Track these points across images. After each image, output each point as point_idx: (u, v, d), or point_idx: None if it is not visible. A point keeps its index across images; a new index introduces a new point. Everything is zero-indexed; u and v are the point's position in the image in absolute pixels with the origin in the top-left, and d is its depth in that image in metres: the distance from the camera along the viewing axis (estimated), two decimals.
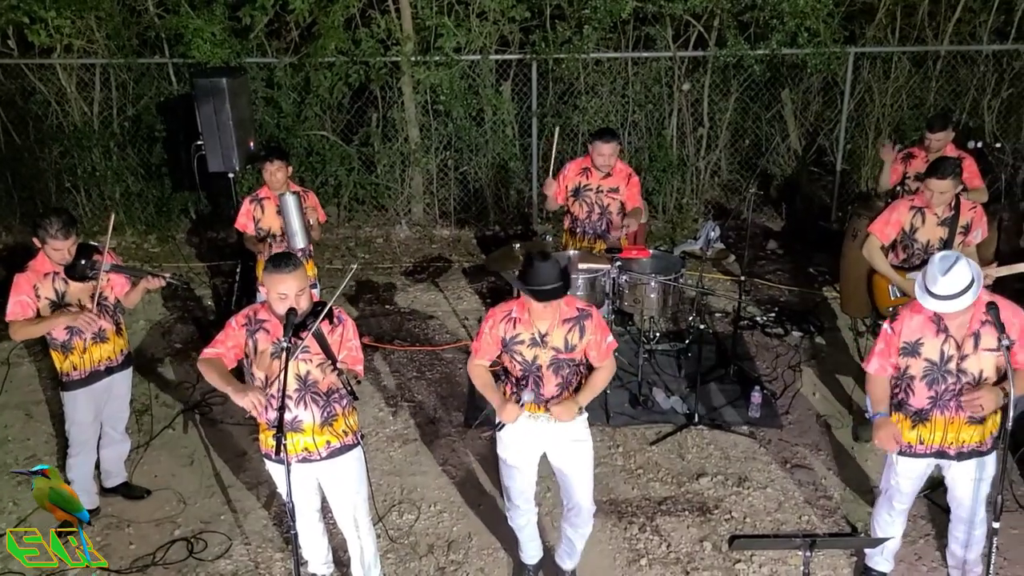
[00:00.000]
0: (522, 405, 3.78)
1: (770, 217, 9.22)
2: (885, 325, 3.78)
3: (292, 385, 3.64)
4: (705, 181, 9.16)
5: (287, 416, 3.64)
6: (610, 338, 3.88)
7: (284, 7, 7.89)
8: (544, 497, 4.86)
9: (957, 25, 8.45)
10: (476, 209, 9.16)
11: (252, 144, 6.62)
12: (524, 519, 4.20)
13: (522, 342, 3.78)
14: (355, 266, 3.82)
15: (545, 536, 4.53)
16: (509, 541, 4.60)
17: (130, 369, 4.84)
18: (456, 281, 8.01)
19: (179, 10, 8.00)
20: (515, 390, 3.85)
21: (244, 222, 5.67)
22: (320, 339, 3.62)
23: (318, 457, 3.79)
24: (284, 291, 3.49)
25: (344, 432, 3.82)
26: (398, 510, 4.90)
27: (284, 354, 3.42)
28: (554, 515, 4.77)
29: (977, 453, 3.80)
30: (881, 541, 3.98)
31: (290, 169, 5.70)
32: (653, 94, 8.68)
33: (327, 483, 3.93)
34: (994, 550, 3.61)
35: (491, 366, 3.96)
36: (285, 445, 3.48)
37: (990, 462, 3.82)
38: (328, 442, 3.78)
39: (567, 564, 4.33)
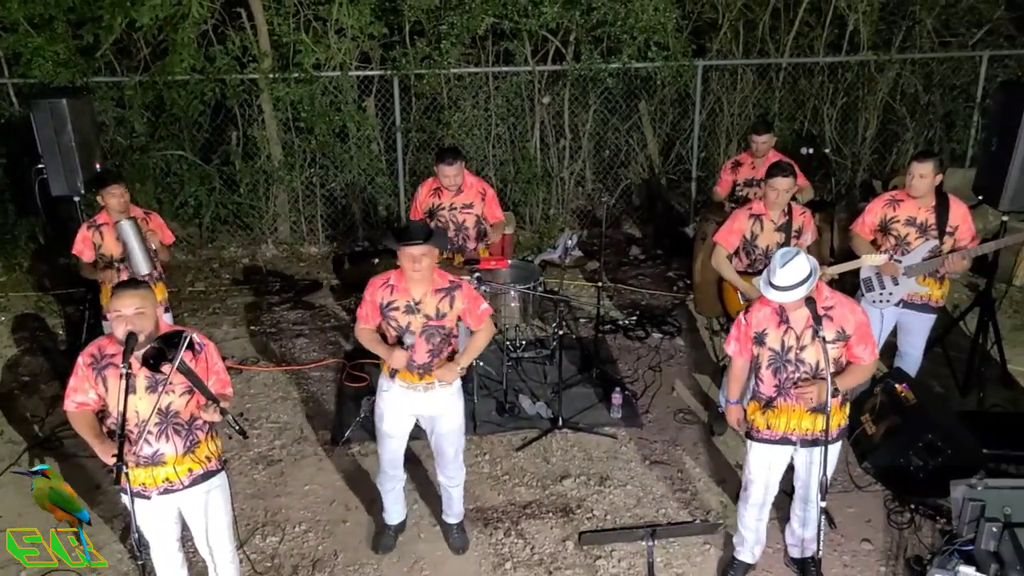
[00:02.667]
0: (407, 348, 4.06)
1: (633, 224, 9.55)
2: (740, 315, 4.07)
3: (153, 420, 3.53)
4: (570, 191, 9.40)
5: (147, 451, 3.56)
6: (484, 305, 4.24)
7: (131, 24, 7.64)
8: (412, 509, 4.91)
9: (796, 39, 9.03)
10: (344, 225, 9.10)
11: (99, 166, 6.39)
12: (391, 484, 4.58)
13: (397, 308, 4.10)
14: (187, 335, 3.66)
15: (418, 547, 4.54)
16: (375, 557, 4.63)
17: None
18: (324, 299, 7.92)
19: (18, 28, 7.64)
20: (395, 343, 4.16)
21: (81, 248, 5.44)
22: (188, 373, 3.52)
23: (180, 486, 3.68)
24: (117, 307, 3.40)
25: (207, 458, 3.73)
26: (261, 533, 4.81)
27: (124, 380, 3.33)
28: (422, 526, 4.82)
29: (822, 442, 3.97)
30: (715, 527, 4.22)
31: (128, 193, 5.48)
32: (515, 107, 8.85)
33: (189, 512, 3.82)
34: (824, 527, 3.85)
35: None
36: (127, 474, 3.37)
37: (834, 450, 4.06)
38: (190, 469, 3.68)
39: (451, 519, 4.71)
